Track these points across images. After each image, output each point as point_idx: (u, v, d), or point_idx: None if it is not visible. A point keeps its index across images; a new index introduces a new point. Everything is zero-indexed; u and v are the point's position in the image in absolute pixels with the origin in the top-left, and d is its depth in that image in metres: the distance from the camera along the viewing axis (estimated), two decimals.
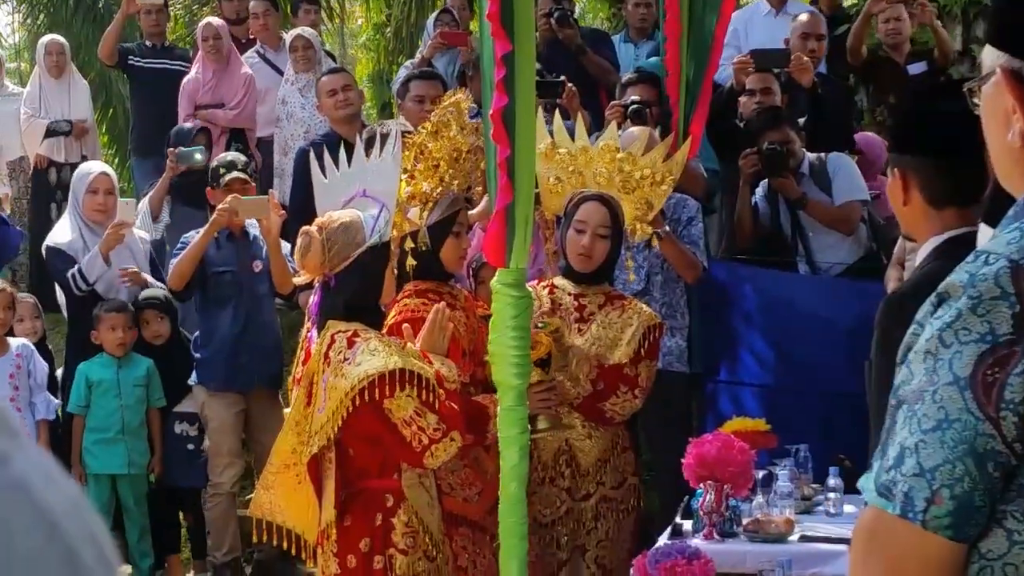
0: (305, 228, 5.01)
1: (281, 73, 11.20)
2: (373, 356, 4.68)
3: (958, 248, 4.04)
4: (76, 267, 8.09)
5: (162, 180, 9.56)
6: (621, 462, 6.02)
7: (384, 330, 5.23)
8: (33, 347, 8.15)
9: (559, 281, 6.00)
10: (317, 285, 5.09)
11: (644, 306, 6.22)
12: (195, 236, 7.93)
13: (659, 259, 7.25)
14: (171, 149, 9.44)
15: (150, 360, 8.26)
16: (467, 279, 6.43)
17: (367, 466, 4.84)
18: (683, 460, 5.52)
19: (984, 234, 3.55)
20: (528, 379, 4.95)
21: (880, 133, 9.24)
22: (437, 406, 4.71)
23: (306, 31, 11.01)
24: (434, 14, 11.72)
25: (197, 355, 8.14)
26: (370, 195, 5.02)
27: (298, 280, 5.50)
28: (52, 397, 8.19)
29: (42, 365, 8.15)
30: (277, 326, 8.31)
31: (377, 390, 4.64)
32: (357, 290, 4.90)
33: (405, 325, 5.17)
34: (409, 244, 5.36)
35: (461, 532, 5.47)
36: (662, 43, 8.32)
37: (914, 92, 7.59)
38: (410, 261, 5.36)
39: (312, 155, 5.34)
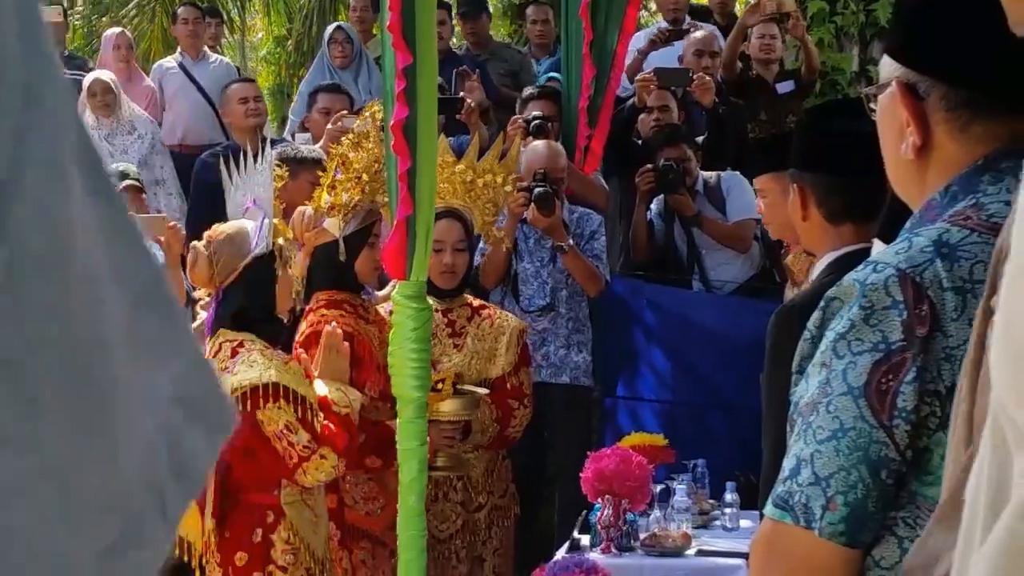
0: (193, 243, 4.98)
1: (197, 83, 11.10)
2: (251, 367, 4.65)
3: (852, 263, 4.10)
4: None
5: None
6: (503, 470, 6.08)
7: (299, 338, 5.20)
8: None
9: None
10: (211, 299, 5.06)
11: (508, 313, 6.30)
12: None
13: (563, 274, 7.26)
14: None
15: None
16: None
17: (246, 479, 4.79)
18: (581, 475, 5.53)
19: (878, 249, 3.60)
20: (427, 391, 4.94)
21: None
22: (315, 425, 4.67)
23: (105, 74, 10.39)
24: (329, 28, 11.62)
25: None
26: (257, 203, 4.99)
27: (197, 295, 5.45)
28: None
29: None
30: None
31: (250, 401, 4.60)
32: (245, 301, 4.85)
33: (300, 350, 5.13)
34: (341, 251, 5.36)
35: (361, 546, 5.45)
36: (563, 59, 8.33)
37: (812, 110, 7.66)
38: (298, 271, 5.32)
39: (221, 164, 5.30)
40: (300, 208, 5.52)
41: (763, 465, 4.14)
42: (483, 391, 5.77)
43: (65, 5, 12.69)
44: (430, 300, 5.79)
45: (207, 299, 5.16)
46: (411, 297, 4.86)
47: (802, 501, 2.03)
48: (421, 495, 4.89)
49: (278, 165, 5.18)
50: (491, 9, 22.60)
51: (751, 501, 5.43)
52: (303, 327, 5.38)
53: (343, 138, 5.67)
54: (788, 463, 2.08)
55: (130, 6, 15.29)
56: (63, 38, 12.08)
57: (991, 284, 1.69)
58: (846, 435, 2.01)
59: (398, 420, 4.93)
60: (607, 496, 5.48)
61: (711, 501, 6.14)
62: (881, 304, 2.03)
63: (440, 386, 5.51)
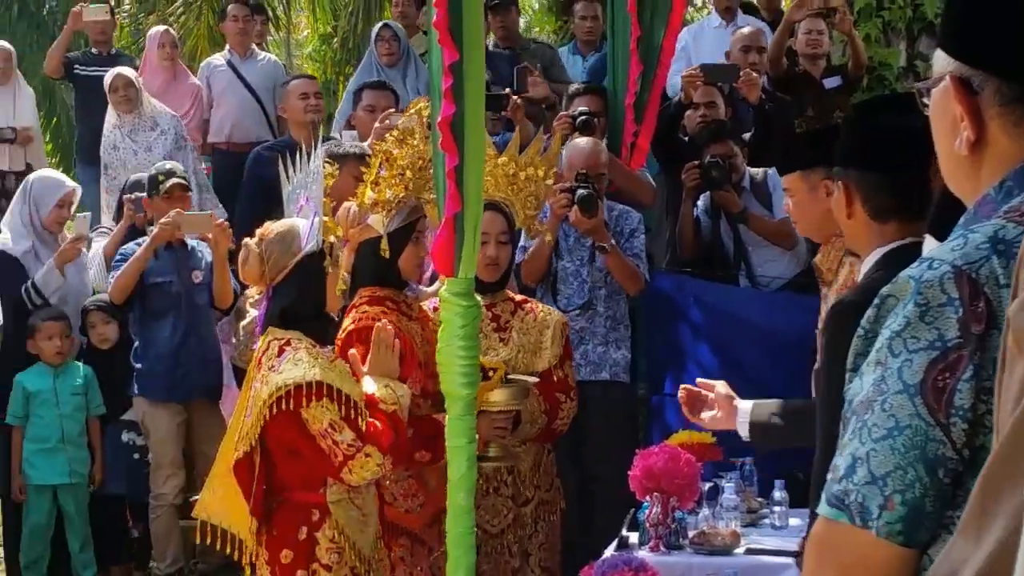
0: (245, 240, 5.00)
1: (244, 81, 11.14)
2: (296, 366, 4.65)
3: (902, 259, 4.07)
4: (30, 281, 8.04)
5: (119, 228, 8.82)
6: (549, 464, 6.06)
7: (342, 335, 5.20)
8: None
9: None
10: (262, 297, 5.08)
11: (549, 306, 6.27)
12: (135, 249, 7.89)
13: (602, 272, 7.26)
14: (127, 196, 8.77)
15: (88, 367, 8.21)
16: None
17: (291, 477, 4.80)
18: (629, 472, 5.51)
19: (929, 245, 3.57)
20: (476, 388, 4.93)
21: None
22: (360, 423, 4.68)
23: (126, 70, 10.49)
24: (376, 27, 11.63)
25: (137, 366, 8.08)
26: (310, 202, 5.01)
27: (248, 292, 5.46)
28: None
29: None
30: (217, 336, 8.25)
31: (294, 400, 4.61)
32: (295, 298, 4.86)
33: (352, 351, 5.13)
34: (384, 248, 5.35)
35: (400, 543, 5.44)
36: (610, 55, 8.31)
37: (857, 106, 7.62)
38: (344, 271, 5.32)
39: (280, 164, 5.32)
40: (344, 204, 5.52)
41: (814, 461, 4.13)
42: (533, 379, 5.75)
43: (112, 3, 12.72)
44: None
45: (257, 296, 5.18)
46: (459, 294, 4.86)
47: (858, 500, 2.01)
48: (470, 492, 4.88)
49: (327, 162, 5.19)
50: (536, 5, 22.66)
51: (800, 499, 5.41)
52: (346, 323, 5.37)
53: (387, 134, 5.67)
54: (843, 462, 2.06)
55: (176, 4, 15.35)
56: (111, 35, 12.13)
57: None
58: (902, 433, 1.99)
59: (446, 417, 4.92)
60: (655, 494, 5.47)
61: (760, 499, 6.11)
62: (937, 301, 2.01)
63: (491, 374, 5.50)
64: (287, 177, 5.26)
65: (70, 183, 8.75)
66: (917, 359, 2.00)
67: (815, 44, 9.53)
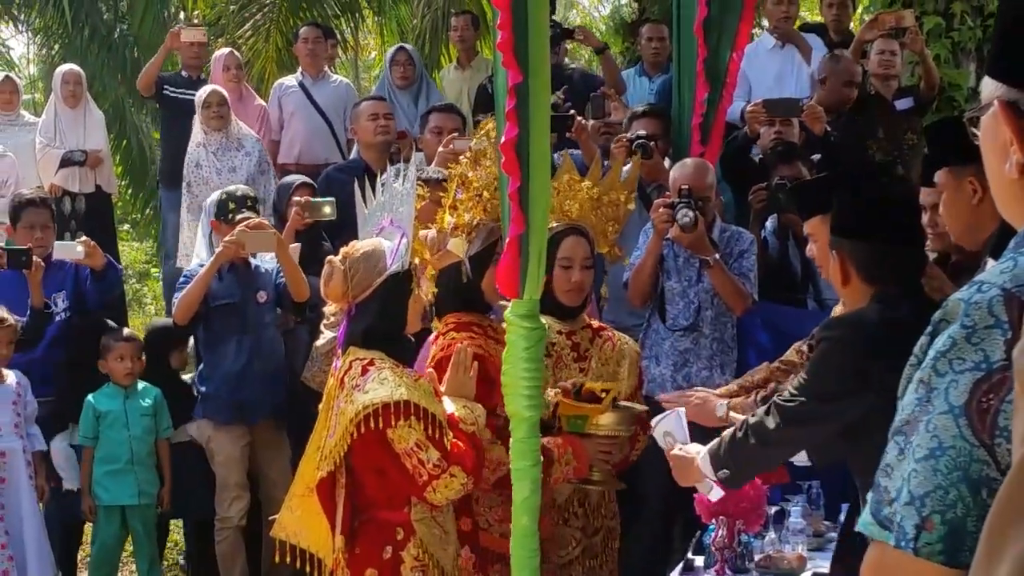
0: (329, 258, 5.03)
1: (315, 103, 11.22)
2: (381, 385, 4.67)
3: (895, 296, 4.17)
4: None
5: (286, 233, 8.44)
6: (612, 492, 6.02)
7: (431, 363, 5.21)
8: (27, 379, 8.01)
9: (543, 320, 5.91)
10: (340, 315, 5.09)
11: (624, 335, 6.23)
12: (199, 269, 7.92)
13: (709, 294, 7.28)
14: (297, 199, 8.55)
15: (157, 389, 8.26)
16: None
17: (376, 496, 4.81)
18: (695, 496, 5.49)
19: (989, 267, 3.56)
20: (540, 410, 4.92)
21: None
22: (445, 443, 4.68)
23: (220, 88, 10.53)
24: (391, 51, 11.69)
25: (202, 388, 8.11)
26: (395, 223, 5.02)
27: (328, 310, 5.47)
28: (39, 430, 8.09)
29: (32, 398, 8.02)
30: (282, 356, 8.23)
31: (381, 419, 4.62)
32: (377, 318, 4.89)
33: (430, 370, 5.14)
34: (466, 272, 5.35)
35: (496, 569, 5.38)
36: (675, 76, 8.31)
37: (847, 178, 7.64)
38: (429, 293, 5.33)
39: (356, 185, 5.34)
40: (423, 231, 5.53)
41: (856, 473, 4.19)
42: (642, 408, 5.72)
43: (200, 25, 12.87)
44: (554, 323, 5.79)
45: (333, 318, 5.20)
46: (524, 316, 4.85)
47: (898, 521, 2.03)
48: (534, 515, 4.87)
49: (419, 184, 5.21)
50: (603, 27, 22.65)
51: None
52: (434, 351, 5.36)
53: (461, 157, 5.67)
54: (893, 484, 2.07)
55: (245, 27, 15.46)
56: (204, 60, 12.25)
57: None
58: (945, 453, 1.99)
59: (511, 439, 4.91)
60: (721, 517, 5.44)
61: (826, 523, 6.08)
62: (984, 323, 2.01)
63: (603, 395, 5.49)
64: (364, 198, 5.28)
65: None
66: (963, 380, 2.00)
67: (887, 65, 9.49)
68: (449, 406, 4.89)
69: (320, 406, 5.08)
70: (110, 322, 8.53)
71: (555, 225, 5.85)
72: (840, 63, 9.17)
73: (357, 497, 4.84)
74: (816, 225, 5.33)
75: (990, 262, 3.55)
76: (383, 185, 5.21)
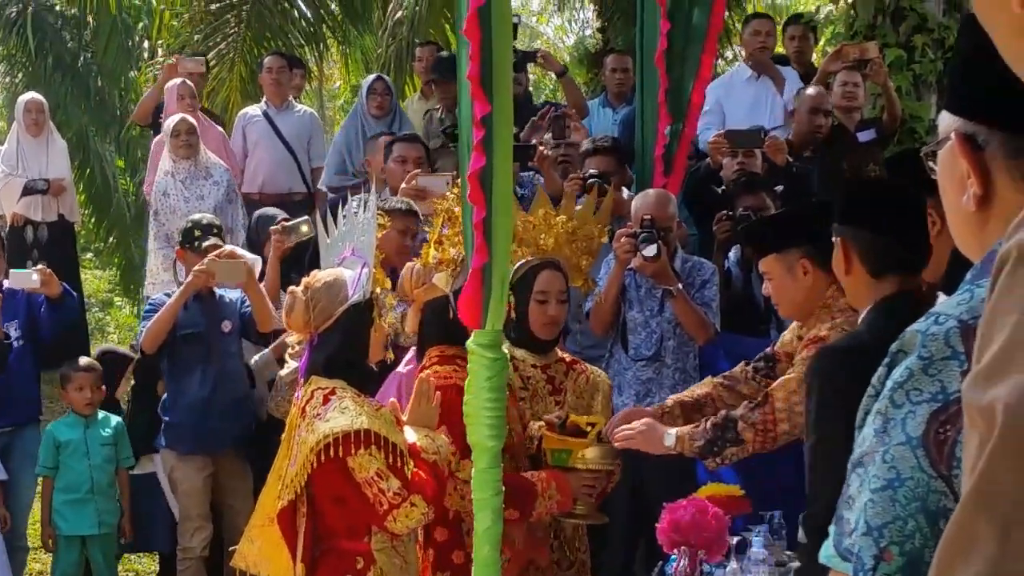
0: (291, 288, 5.04)
1: (279, 132, 11.21)
2: (342, 414, 4.67)
3: (893, 308, 4.16)
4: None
5: (271, 263, 8.47)
6: (583, 525, 6.02)
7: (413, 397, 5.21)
8: None
9: (518, 354, 5.88)
10: (303, 346, 5.09)
11: (597, 368, 6.24)
12: (164, 300, 7.88)
13: (671, 324, 7.28)
14: (273, 228, 8.52)
15: (118, 418, 8.23)
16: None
17: (336, 525, 4.81)
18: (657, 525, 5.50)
19: (941, 301, 3.58)
20: (502, 440, 4.92)
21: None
22: (406, 472, 4.68)
23: (189, 117, 10.51)
24: (369, 79, 11.67)
25: (165, 418, 8.04)
26: (357, 252, 5.03)
27: (290, 340, 5.47)
28: None
29: None
30: (247, 387, 8.15)
31: (341, 447, 4.62)
32: (339, 348, 4.90)
33: (392, 399, 5.14)
34: (452, 307, 5.33)
35: None
36: (638, 107, 8.35)
37: (852, 165, 7.66)
38: (410, 328, 5.33)
39: (317, 215, 5.35)
40: (408, 264, 5.54)
41: (807, 498, 4.16)
42: None
43: (171, 56, 12.87)
44: (529, 356, 5.81)
45: (298, 348, 5.20)
46: (486, 346, 4.85)
47: (856, 552, 2.04)
48: (496, 545, 4.87)
49: (379, 214, 5.22)
50: (567, 57, 22.70)
51: None
52: (419, 383, 5.36)
53: (447, 192, 5.69)
54: (854, 515, 2.08)
55: (210, 55, 15.45)
56: (201, 90, 12.24)
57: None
58: (903, 484, 2.00)
59: (473, 469, 4.91)
60: (683, 547, 5.44)
61: (788, 552, 6.07)
62: (941, 355, 2.02)
63: (588, 429, 5.49)
64: (326, 228, 5.29)
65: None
66: (920, 411, 2.01)
67: (851, 97, 9.56)
68: (410, 435, 4.89)
69: (283, 435, 5.07)
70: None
71: (531, 259, 5.87)
72: (814, 93, 9.27)
73: (318, 526, 4.84)
74: (770, 263, 5.39)
75: (941, 296, 3.58)
76: (344, 215, 5.22)
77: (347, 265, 5.04)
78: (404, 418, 5.00)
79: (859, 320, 4.49)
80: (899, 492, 2.00)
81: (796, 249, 5.38)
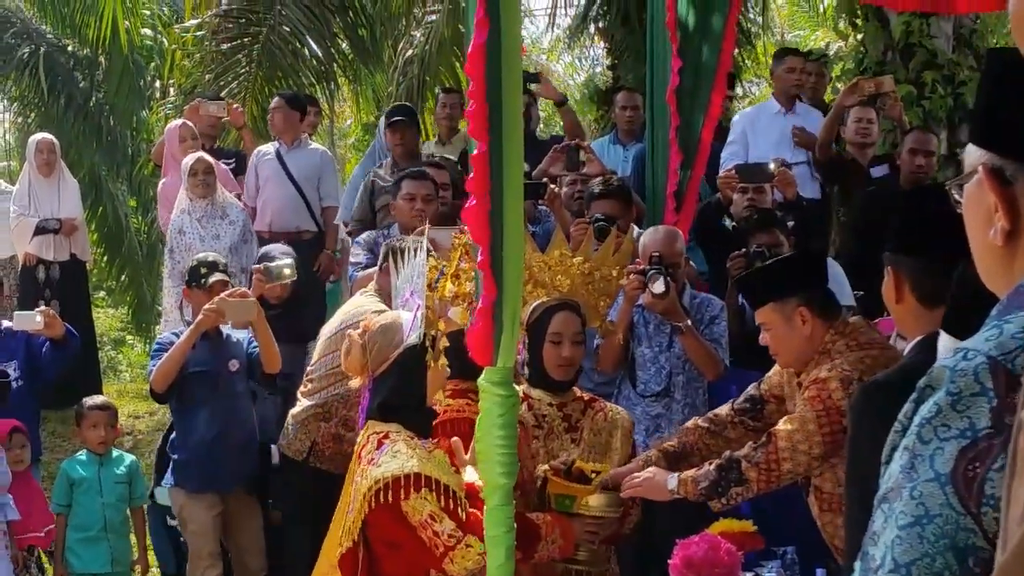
0: (349, 332, 5.06)
1: (288, 171, 11.21)
2: (394, 458, 4.68)
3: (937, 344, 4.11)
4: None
5: None
6: (613, 561, 5.98)
7: None
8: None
9: (535, 393, 5.89)
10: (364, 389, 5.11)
11: (617, 406, 6.24)
12: (172, 339, 7.87)
13: (680, 360, 7.27)
14: (255, 267, 8.61)
15: (133, 457, 8.23)
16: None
17: (394, 570, 4.81)
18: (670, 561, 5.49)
19: (943, 342, 3.57)
20: (514, 478, 4.91)
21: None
22: (460, 513, 4.68)
23: (207, 156, 10.56)
24: (388, 113, 11.60)
25: (174, 456, 7.99)
26: (414, 294, 5.05)
27: (352, 384, 5.44)
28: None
29: (5, 468, 7.89)
30: (254, 425, 8.09)
31: (392, 492, 4.62)
32: (394, 390, 4.91)
33: (455, 439, 5.14)
34: (444, 343, 5.32)
35: None
36: (648, 144, 8.35)
37: (906, 194, 7.62)
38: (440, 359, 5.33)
39: (391, 259, 5.37)
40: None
41: (845, 543, 4.12)
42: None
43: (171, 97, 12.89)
44: (545, 395, 5.81)
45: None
46: (497, 383, 4.84)
47: None
48: None
49: (431, 255, 5.24)
50: (578, 95, 22.73)
51: None
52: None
53: (465, 227, 5.70)
54: (878, 551, 2.05)
55: (221, 95, 15.53)
56: (219, 132, 12.30)
57: None
58: (932, 522, 1.97)
59: (485, 507, 4.91)
60: None
61: None
62: (970, 391, 1.99)
63: (593, 476, 5.49)
64: (396, 271, 5.31)
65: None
66: (948, 447, 1.98)
67: (864, 133, 9.57)
68: (471, 475, 4.89)
69: (345, 480, 5.09)
70: None
71: (547, 300, 5.87)
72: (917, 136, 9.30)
73: (377, 571, 4.83)
74: (768, 314, 5.39)
75: (943, 335, 3.57)
76: (405, 258, 5.23)
77: (408, 307, 5.06)
78: (467, 457, 4.99)
79: (905, 350, 4.46)
80: (927, 529, 1.97)
81: (793, 298, 5.38)
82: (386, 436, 4.79)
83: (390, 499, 4.63)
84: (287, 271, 8.37)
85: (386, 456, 4.70)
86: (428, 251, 5.19)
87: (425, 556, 4.70)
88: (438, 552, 4.65)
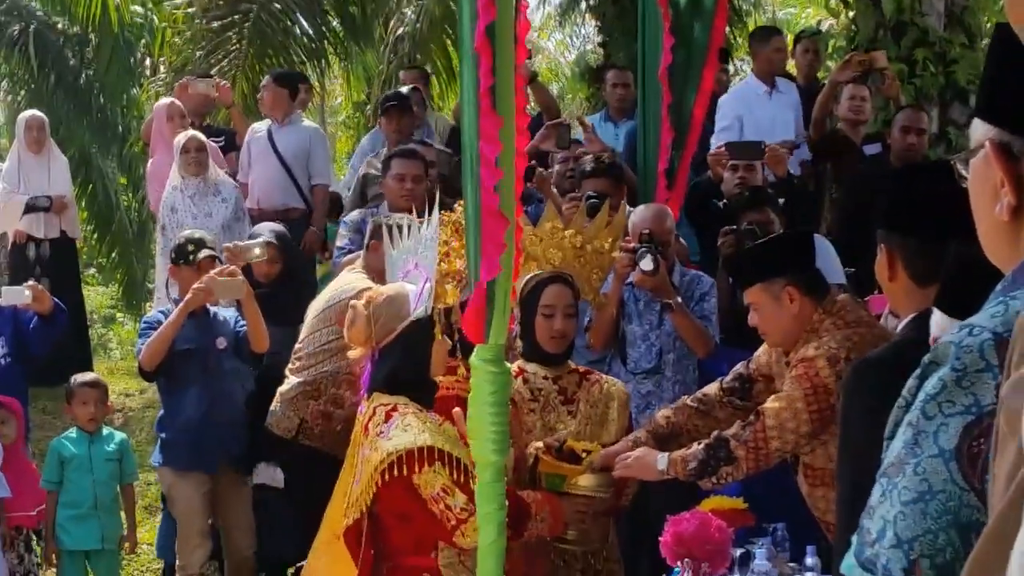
0: (353, 302, 5.04)
1: (276, 149, 11.18)
2: (405, 432, 4.68)
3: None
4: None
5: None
6: (613, 533, 6.03)
7: None
8: None
9: (530, 367, 5.94)
10: (367, 359, 5.10)
11: (612, 378, 6.27)
12: (160, 318, 7.85)
13: (671, 337, 7.27)
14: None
15: (123, 434, 8.22)
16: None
17: (403, 543, 4.81)
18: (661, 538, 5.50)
19: (936, 319, 3.57)
20: (505, 454, 4.92)
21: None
22: (471, 486, 4.69)
23: (199, 134, 10.53)
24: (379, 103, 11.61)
25: (162, 435, 7.98)
26: (420, 267, 5.03)
27: (352, 354, 5.43)
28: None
29: None
30: (241, 403, 8.05)
31: (405, 466, 4.62)
32: (401, 363, 4.91)
33: (456, 410, 5.14)
34: (456, 319, 5.33)
35: None
36: (640, 122, 8.34)
37: (898, 172, 7.61)
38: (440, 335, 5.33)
39: (384, 229, 5.35)
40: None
41: (836, 519, 4.12)
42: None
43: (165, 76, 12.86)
44: (540, 369, 5.81)
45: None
46: (489, 361, 4.84)
47: (883, 564, 2.01)
48: (500, 559, 4.86)
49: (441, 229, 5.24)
50: (568, 73, 22.70)
51: (832, 565, 5.37)
52: None
53: (456, 205, 5.69)
54: (875, 525, 2.05)
55: (211, 72, 15.51)
56: (209, 110, 12.27)
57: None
58: (935, 497, 1.97)
59: (476, 483, 4.92)
60: (686, 560, 5.44)
61: (792, 564, 6.06)
62: (975, 367, 2.00)
63: (583, 455, 5.50)
64: (391, 243, 5.29)
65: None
66: (953, 423, 1.98)
67: (857, 110, 9.57)
68: None
69: (347, 451, 5.07)
70: None
71: (539, 273, 5.87)
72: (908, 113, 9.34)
73: (383, 544, 4.83)
74: (756, 294, 5.39)
75: (936, 312, 3.56)
76: (409, 229, 5.22)
77: (410, 279, 5.05)
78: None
79: (898, 328, 4.46)
80: (930, 505, 1.97)
81: (780, 278, 5.38)
82: (394, 408, 4.79)
83: (404, 472, 4.62)
84: (257, 250, 8.36)
85: (396, 429, 4.69)
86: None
87: (435, 529, 4.71)
88: (449, 525, 4.66)
